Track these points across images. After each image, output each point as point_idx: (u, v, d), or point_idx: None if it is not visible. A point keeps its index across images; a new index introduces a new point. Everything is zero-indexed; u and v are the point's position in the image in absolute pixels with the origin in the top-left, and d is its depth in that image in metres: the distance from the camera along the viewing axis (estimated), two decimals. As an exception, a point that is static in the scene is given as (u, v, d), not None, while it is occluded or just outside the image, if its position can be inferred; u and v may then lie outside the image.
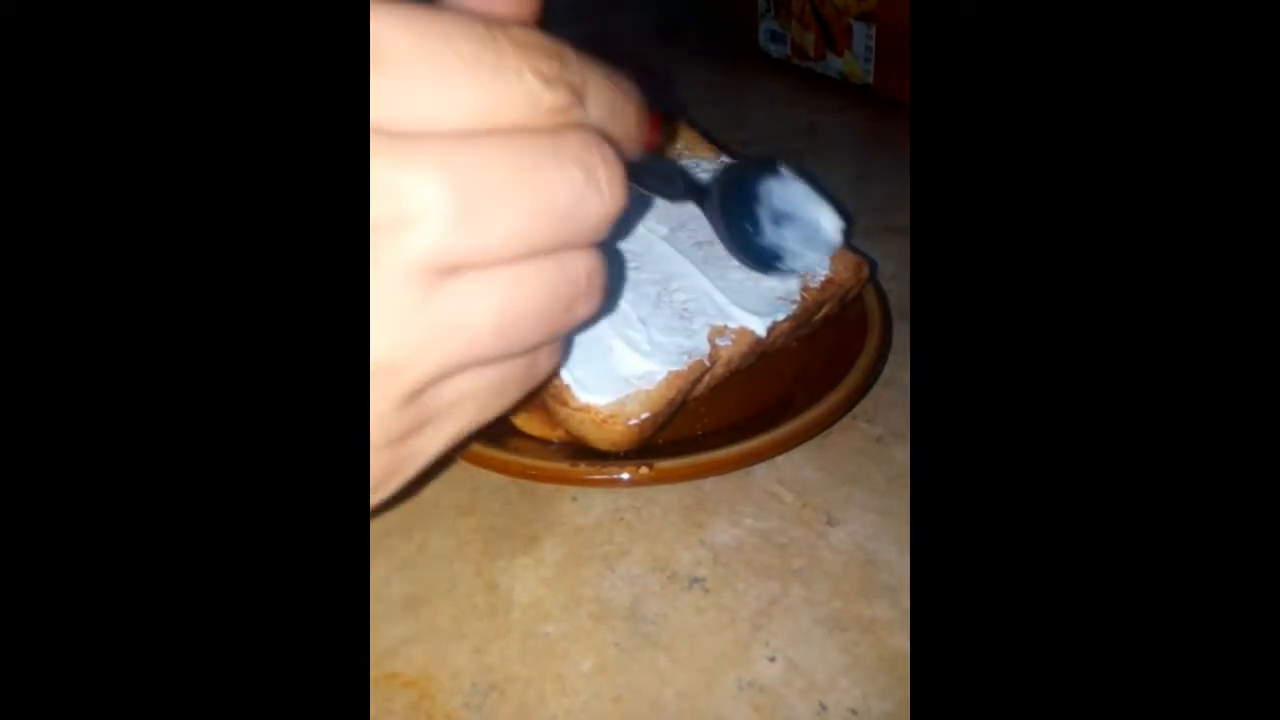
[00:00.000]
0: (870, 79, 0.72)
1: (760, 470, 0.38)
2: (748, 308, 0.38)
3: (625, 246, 0.40)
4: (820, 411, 0.37)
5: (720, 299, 0.38)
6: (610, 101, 0.21)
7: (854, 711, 0.29)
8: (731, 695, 0.29)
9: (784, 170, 0.41)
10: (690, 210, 0.42)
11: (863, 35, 0.71)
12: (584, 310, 0.23)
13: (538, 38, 0.20)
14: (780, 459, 0.38)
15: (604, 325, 0.36)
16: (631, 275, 0.39)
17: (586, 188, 0.20)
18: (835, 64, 0.75)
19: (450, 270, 0.19)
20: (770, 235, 0.40)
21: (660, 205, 0.42)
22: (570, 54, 0.20)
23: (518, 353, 0.22)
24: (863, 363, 0.40)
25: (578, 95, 0.20)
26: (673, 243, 0.40)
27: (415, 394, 0.20)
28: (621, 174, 0.21)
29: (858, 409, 0.39)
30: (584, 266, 0.22)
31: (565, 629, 0.32)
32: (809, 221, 0.40)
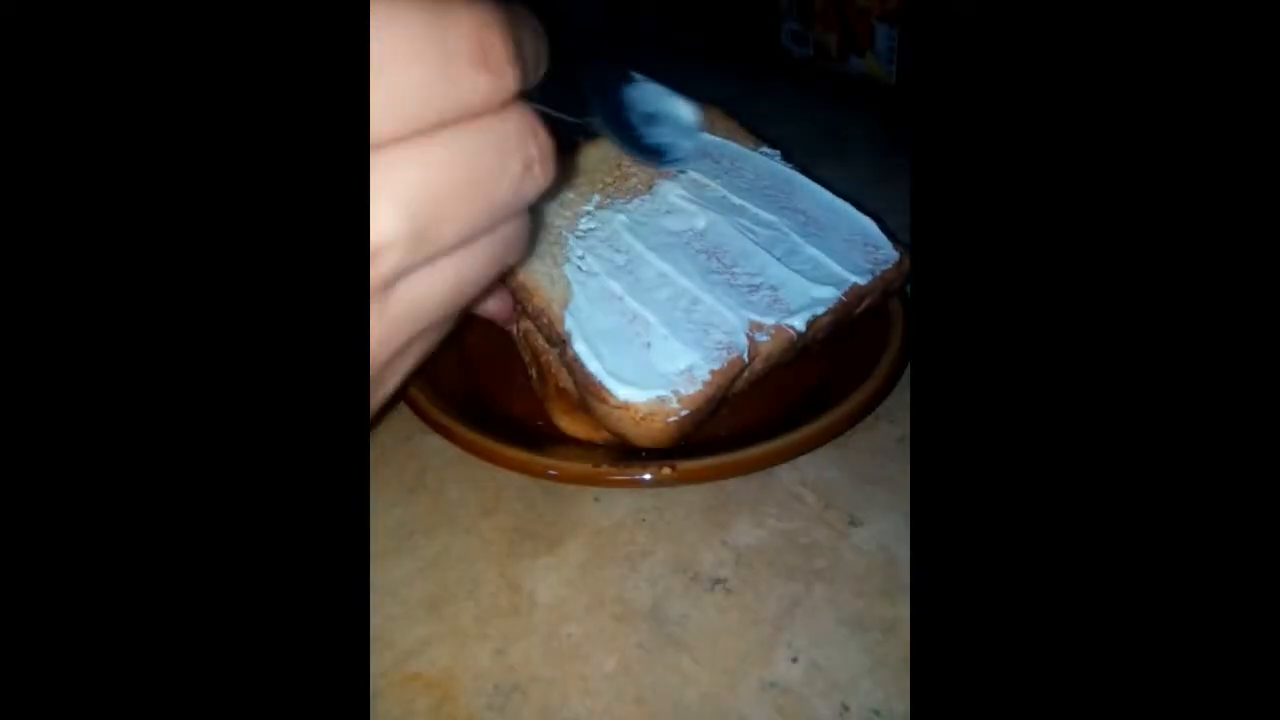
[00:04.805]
0: (893, 80, 0.72)
1: (783, 471, 0.38)
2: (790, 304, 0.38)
3: (651, 246, 0.40)
4: (843, 412, 0.37)
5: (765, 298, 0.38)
6: (535, 54, 0.22)
7: (876, 712, 0.29)
8: (754, 696, 0.29)
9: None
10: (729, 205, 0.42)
11: (885, 36, 0.71)
12: (514, 260, 0.25)
13: (483, 17, 0.20)
14: (802, 460, 0.38)
15: (641, 323, 0.36)
16: (670, 269, 0.38)
17: (524, 178, 0.22)
18: (858, 65, 0.75)
19: (405, 274, 0.21)
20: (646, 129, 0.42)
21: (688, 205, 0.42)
22: (513, 23, 0.20)
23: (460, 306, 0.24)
24: (885, 363, 0.39)
25: (521, 72, 0.21)
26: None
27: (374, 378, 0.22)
28: (553, 155, 0.23)
29: (880, 409, 0.39)
30: (514, 229, 0.23)
31: (588, 630, 0.32)
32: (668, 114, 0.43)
